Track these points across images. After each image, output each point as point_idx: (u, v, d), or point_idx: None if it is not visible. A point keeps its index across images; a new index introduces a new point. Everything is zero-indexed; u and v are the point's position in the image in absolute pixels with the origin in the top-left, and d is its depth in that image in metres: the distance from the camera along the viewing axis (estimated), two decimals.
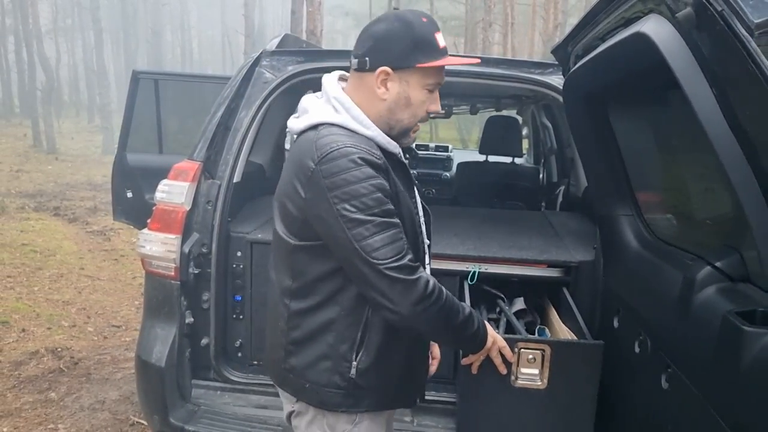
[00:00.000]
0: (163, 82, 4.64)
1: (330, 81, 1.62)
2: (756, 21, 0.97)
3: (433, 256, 2.56)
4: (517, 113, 5.82)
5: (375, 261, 1.45)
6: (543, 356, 2.01)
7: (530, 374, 2.03)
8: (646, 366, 1.85)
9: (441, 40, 1.57)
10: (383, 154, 1.55)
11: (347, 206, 1.44)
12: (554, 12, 18.84)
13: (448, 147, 6.70)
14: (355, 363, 1.59)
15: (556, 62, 2.52)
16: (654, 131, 2.09)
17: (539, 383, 2.03)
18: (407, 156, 1.76)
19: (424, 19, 1.57)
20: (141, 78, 4.53)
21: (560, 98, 2.75)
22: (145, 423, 3.56)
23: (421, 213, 1.75)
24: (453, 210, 3.74)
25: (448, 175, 6.20)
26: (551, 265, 2.67)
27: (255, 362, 2.85)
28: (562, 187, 4.30)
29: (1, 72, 29.69)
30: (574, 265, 2.64)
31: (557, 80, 2.79)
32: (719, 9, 1.01)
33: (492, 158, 4.76)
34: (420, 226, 1.70)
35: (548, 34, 18.69)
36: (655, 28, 1.22)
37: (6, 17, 28.62)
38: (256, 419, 2.65)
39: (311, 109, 1.59)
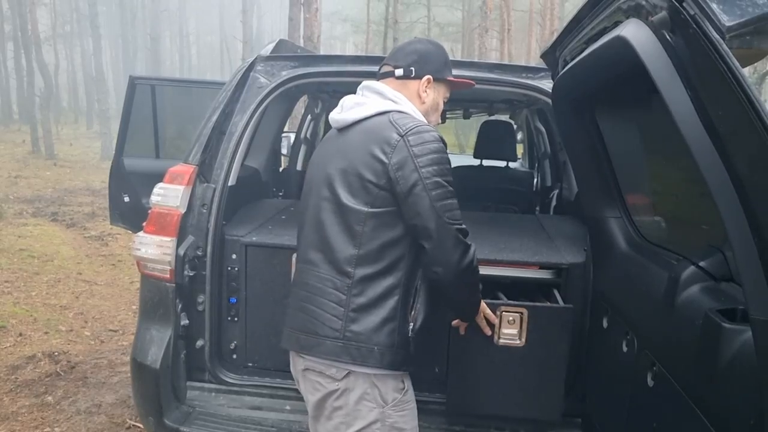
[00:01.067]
0: (160, 88, 4.67)
1: (380, 84, 1.92)
2: (727, 24, 1.00)
3: None
4: (511, 117, 5.85)
5: (449, 221, 1.73)
6: (521, 318, 2.36)
7: (510, 334, 2.37)
8: (633, 364, 1.87)
9: None
10: None
11: (430, 170, 1.72)
12: (551, 18, 18.93)
13: None
14: (412, 324, 1.83)
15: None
16: (640, 134, 2.13)
17: (518, 342, 2.37)
18: None
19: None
20: (138, 84, 4.56)
21: (550, 102, 2.78)
22: (141, 426, 3.58)
23: None
24: None
25: None
26: (542, 266, 2.69)
27: (250, 364, 2.87)
28: (556, 191, 4.30)
29: None
30: (565, 266, 2.66)
31: (548, 84, 2.82)
32: (692, 13, 1.04)
33: (487, 162, 4.77)
34: None
35: (545, 40, 18.77)
36: (634, 32, 1.26)
37: (5, 24, 28.68)
38: (251, 420, 2.67)
39: (369, 102, 1.87)
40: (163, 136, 4.85)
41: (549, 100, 2.80)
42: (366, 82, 1.94)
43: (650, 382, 1.70)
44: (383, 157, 1.74)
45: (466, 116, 5.11)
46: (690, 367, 1.46)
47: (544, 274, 2.70)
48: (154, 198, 2.69)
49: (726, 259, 1.57)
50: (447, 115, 5.20)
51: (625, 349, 1.96)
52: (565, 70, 2.07)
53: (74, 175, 15.52)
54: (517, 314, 2.37)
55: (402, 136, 1.75)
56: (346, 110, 1.91)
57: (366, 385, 1.79)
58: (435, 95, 1.96)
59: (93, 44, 23.31)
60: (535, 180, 4.91)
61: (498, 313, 2.32)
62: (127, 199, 4.59)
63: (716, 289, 1.53)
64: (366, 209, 1.78)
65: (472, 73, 2.98)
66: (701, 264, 1.59)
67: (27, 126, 20.81)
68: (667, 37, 1.14)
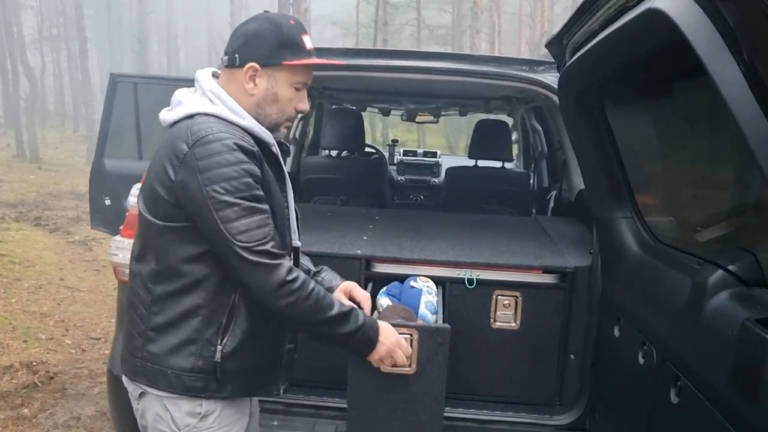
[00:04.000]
0: (142, 86, 4.49)
1: (204, 75, 1.70)
2: None
3: (421, 262, 2.48)
4: (509, 115, 5.71)
5: (239, 243, 1.52)
6: (516, 302, 2.51)
7: (506, 317, 2.52)
8: (652, 378, 1.72)
9: (308, 42, 1.70)
10: (257, 144, 1.63)
11: (217, 188, 1.52)
12: (541, 20, 18.87)
13: (436, 153, 6.57)
14: (220, 347, 1.63)
15: (549, 60, 2.41)
16: (656, 127, 1.98)
17: (513, 324, 2.52)
18: (284, 148, 1.85)
19: (292, 22, 1.70)
20: (119, 81, 4.38)
21: (553, 97, 2.64)
22: None
23: (293, 216, 1.80)
24: (441, 216, 3.61)
25: (436, 181, 6.07)
26: (546, 270, 2.55)
27: None
28: (554, 192, 4.18)
29: None
30: (570, 270, 2.52)
31: (550, 78, 2.68)
32: None
33: (481, 163, 4.63)
34: (289, 222, 1.76)
35: (535, 42, 18.72)
36: (671, 2, 1.10)
37: None
38: None
39: (186, 101, 1.67)
40: (147, 136, 4.66)
41: (551, 95, 2.67)
42: (199, 72, 1.73)
43: (674, 399, 1.55)
44: (171, 173, 1.57)
45: (462, 114, 4.97)
46: (725, 382, 1.31)
47: (547, 279, 2.56)
48: (132, 200, 2.52)
49: (758, 262, 1.42)
50: (442, 113, 5.06)
51: (641, 360, 1.80)
52: (573, 59, 1.92)
53: (59, 179, 15.25)
54: (512, 297, 2.51)
55: (190, 148, 1.56)
56: (173, 107, 1.72)
57: (158, 408, 1.69)
58: (269, 85, 1.67)
59: (78, 47, 23.00)
60: (532, 181, 4.78)
61: (494, 296, 2.50)
62: (108, 202, 4.41)
63: (749, 296, 1.39)
64: (161, 223, 1.63)
65: (469, 66, 2.84)
66: (730, 268, 1.44)
67: (12, 130, 20.48)
68: (715, 4, 0.98)
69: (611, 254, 2.26)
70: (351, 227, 2.94)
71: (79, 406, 3.95)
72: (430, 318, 2.26)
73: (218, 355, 1.63)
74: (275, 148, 1.72)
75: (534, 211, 4.61)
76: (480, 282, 2.55)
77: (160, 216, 1.62)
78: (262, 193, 1.59)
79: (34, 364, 4.53)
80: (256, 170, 1.58)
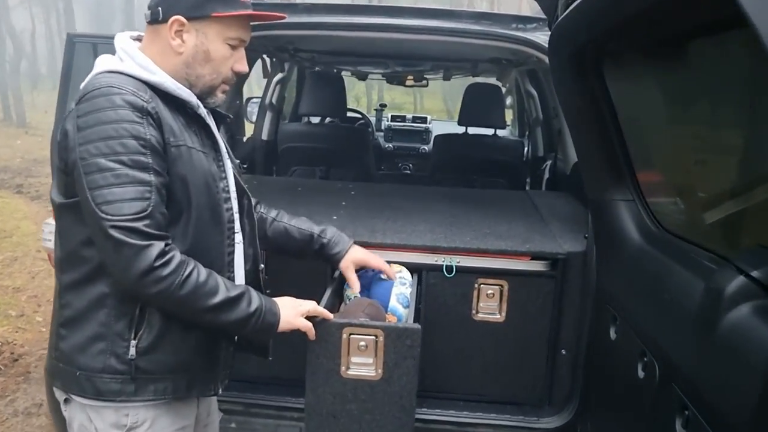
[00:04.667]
0: (103, 47, 4.12)
1: (120, 36, 1.53)
2: None
3: (394, 247, 2.22)
4: (498, 79, 5.37)
5: (102, 216, 1.33)
6: (501, 291, 2.25)
7: (490, 308, 2.27)
8: (653, 399, 1.44)
9: None
10: (174, 104, 1.46)
11: (90, 148, 1.34)
12: None
13: (426, 118, 6.24)
14: (134, 341, 1.45)
15: (542, 16, 2.08)
16: (664, 92, 1.67)
17: (498, 316, 2.27)
18: (220, 116, 1.66)
19: None
20: (77, 42, 4.02)
21: (545, 59, 2.33)
22: None
23: (232, 189, 1.61)
24: (425, 191, 3.32)
25: (426, 148, 5.78)
26: (535, 256, 2.26)
27: None
28: (549, 163, 3.90)
29: None
30: (561, 256, 2.24)
31: (542, 37, 2.35)
32: None
33: (472, 130, 4.34)
34: (224, 202, 1.56)
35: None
36: None
37: None
38: None
39: (97, 63, 1.49)
40: None
41: (542, 56, 2.35)
42: (117, 35, 1.54)
43: (680, 430, 1.27)
44: (59, 135, 1.42)
45: (446, 78, 4.65)
46: (747, 421, 1.03)
47: (536, 266, 2.28)
48: None
49: None
50: (425, 76, 4.74)
51: (641, 374, 1.53)
52: (567, 12, 1.59)
53: (46, 144, 14.78)
54: (496, 287, 2.25)
55: (76, 104, 1.39)
56: None
57: (82, 417, 1.52)
58: (198, 41, 1.48)
59: (63, 6, 22.35)
60: (526, 150, 4.48)
61: (476, 285, 2.24)
62: None
63: None
64: (58, 200, 1.47)
65: (454, 24, 2.52)
66: (754, 274, 1.15)
67: None
68: None
69: (607, 242, 1.97)
70: (321, 204, 2.65)
71: (42, 392, 3.70)
72: (402, 312, 1.99)
73: (132, 352, 1.45)
74: (202, 110, 1.52)
75: (528, 182, 4.34)
76: (460, 269, 2.27)
77: (61, 191, 1.46)
78: (150, 160, 1.37)
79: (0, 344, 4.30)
80: (147, 132, 1.37)
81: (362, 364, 1.78)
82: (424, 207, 2.77)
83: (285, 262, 2.30)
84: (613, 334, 1.81)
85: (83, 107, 1.36)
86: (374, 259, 2.01)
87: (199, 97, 1.51)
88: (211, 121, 1.57)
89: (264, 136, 4.30)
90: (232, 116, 1.66)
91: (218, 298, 1.45)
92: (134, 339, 1.45)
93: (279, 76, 4.31)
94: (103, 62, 1.47)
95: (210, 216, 1.51)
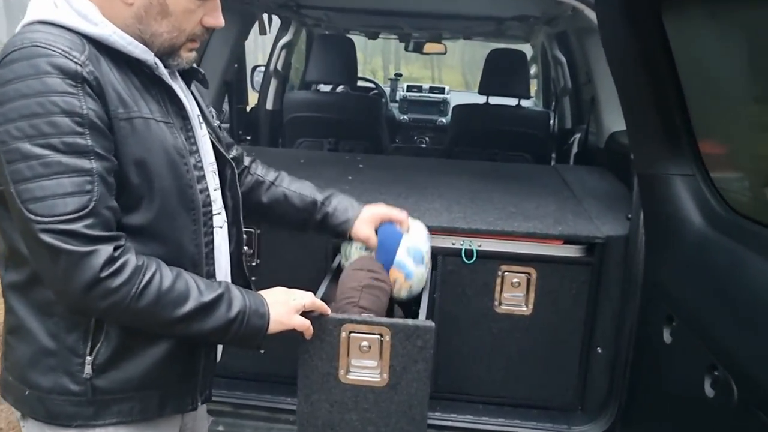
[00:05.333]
0: None
1: None
2: None
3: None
4: (524, 42, 5.00)
5: (31, 217, 1.06)
6: (528, 280, 1.98)
7: (515, 299, 2.01)
8: (728, 425, 1.14)
9: None
10: (127, 63, 1.17)
11: (10, 129, 1.06)
12: None
13: (444, 88, 5.89)
14: (90, 358, 1.20)
15: None
16: (738, 44, 1.35)
17: (524, 309, 2.01)
18: (193, 74, 1.34)
19: None
20: None
21: (584, 10, 2.01)
22: None
23: (208, 162, 1.32)
24: (442, 163, 3.01)
25: (443, 120, 5.44)
26: (569, 240, 1.96)
27: None
28: (578, 135, 3.59)
29: None
30: (600, 241, 1.94)
31: None
32: None
33: (494, 100, 4.02)
34: (197, 182, 1.26)
35: None
36: None
37: None
38: None
39: (28, 10, 1.19)
40: None
41: (581, 6, 2.03)
42: None
43: None
44: None
45: (467, 37, 4.33)
46: None
47: (570, 251, 1.98)
48: None
49: None
50: (443, 36, 4.40)
51: (709, 392, 1.22)
52: None
53: None
54: (523, 275, 1.98)
55: None
56: None
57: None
58: None
59: None
60: (552, 121, 4.14)
61: (500, 273, 1.98)
62: None
63: None
64: None
65: None
66: None
67: None
68: None
69: (660, 225, 1.65)
70: (324, 179, 2.35)
71: None
72: (412, 270, 1.66)
73: (87, 370, 1.19)
74: (162, 70, 1.21)
75: (553, 157, 4.02)
76: (482, 254, 1.98)
77: None
78: (89, 141, 1.08)
79: None
80: (83, 105, 1.08)
81: (365, 368, 1.50)
82: (441, 182, 2.47)
83: (275, 241, 2.03)
84: (667, 337, 1.50)
85: (1, 75, 1.06)
86: (397, 212, 1.68)
87: (158, 57, 1.22)
88: (176, 82, 1.28)
89: (268, 106, 4.02)
90: (203, 71, 1.35)
91: (188, 306, 1.18)
92: (90, 355, 1.20)
93: (284, 39, 4.00)
94: (34, 8, 1.16)
95: (179, 201, 1.23)
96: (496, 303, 2.01)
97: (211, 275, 1.31)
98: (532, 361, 2.04)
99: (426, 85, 5.91)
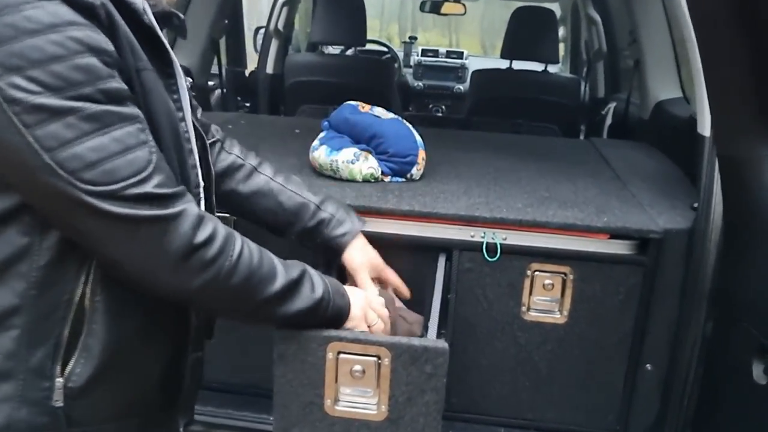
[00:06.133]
0: None
1: None
2: None
3: (413, 216, 1.66)
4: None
5: (87, 188, 0.83)
6: (564, 282, 1.63)
7: (547, 305, 1.66)
8: None
9: None
10: (121, 8, 0.90)
11: (20, 81, 0.79)
12: None
13: (462, 53, 5.47)
14: (61, 380, 0.94)
15: None
16: None
17: (558, 316, 1.66)
18: (171, 19, 1.06)
19: None
20: None
21: None
22: None
23: (191, 130, 1.06)
24: (460, 136, 2.64)
25: (461, 88, 5.05)
26: (616, 234, 1.59)
27: None
28: (612, 105, 3.21)
29: None
30: (655, 236, 1.57)
31: None
32: None
33: (518, 65, 3.64)
34: (188, 155, 1.03)
35: None
36: None
37: None
38: None
39: None
40: None
41: None
42: None
43: None
44: None
45: None
46: None
47: (618, 248, 1.62)
48: None
49: None
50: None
51: None
52: None
53: None
54: (558, 275, 1.62)
55: None
56: None
57: None
58: None
59: None
60: (583, 89, 3.74)
61: (529, 272, 1.62)
62: None
63: None
64: None
65: None
66: None
67: None
68: None
69: (744, 220, 1.28)
70: None
71: None
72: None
73: (58, 396, 0.94)
74: (150, 16, 0.97)
75: (583, 129, 3.64)
76: (507, 249, 1.62)
77: None
78: (123, 85, 0.87)
79: None
80: (104, 41, 0.85)
81: (358, 398, 1.22)
82: (458, 158, 2.11)
83: (256, 230, 1.69)
84: (757, 373, 1.14)
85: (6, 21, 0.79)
86: (391, 273, 1.44)
87: None
88: (157, 28, 1.02)
89: (269, 69, 3.68)
90: (182, 15, 1.02)
91: (278, 284, 1.02)
92: (61, 376, 0.94)
93: None
94: None
95: (182, 178, 1.01)
96: (524, 309, 1.66)
97: None
98: (566, 379, 1.70)
99: (443, 49, 5.50)
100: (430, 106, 5.02)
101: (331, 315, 1.12)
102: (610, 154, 2.24)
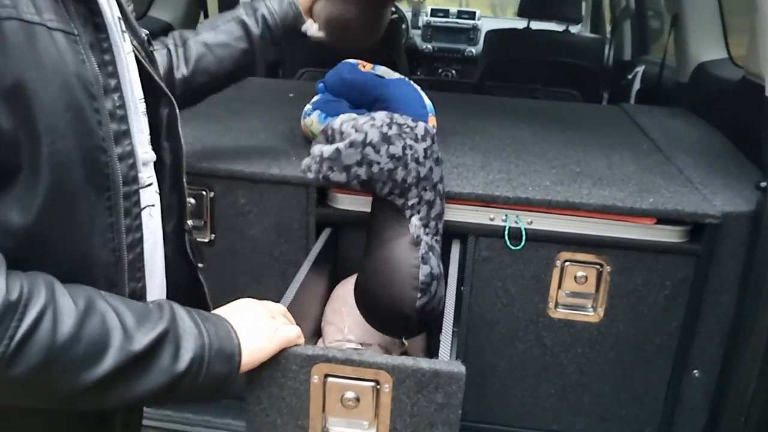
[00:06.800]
0: None
1: None
2: None
3: None
4: None
5: None
6: (599, 275, 1.40)
7: (579, 301, 1.43)
8: None
9: None
10: None
11: None
12: None
13: (474, 13, 5.14)
14: None
15: None
16: None
17: (591, 314, 1.43)
18: None
19: None
20: None
21: None
22: None
23: (136, 100, 0.81)
24: (475, 101, 2.37)
25: (473, 51, 4.74)
26: (664, 219, 1.35)
27: None
28: (641, 68, 2.92)
29: None
30: (712, 220, 1.32)
31: None
32: None
33: (536, 25, 3.35)
34: (118, 139, 0.75)
35: None
36: None
37: None
38: None
39: None
40: None
41: None
42: None
43: None
44: None
45: None
46: None
47: (664, 235, 1.37)
48: None
49: None
50: None
51: None
52: None
53: None
54: (592, 266, 1.38)
55: None
56: None
57: None
58: None
59: None
60: (607, 51, 3.44)
61: (558, 263, 1.39)
62: None
63: None
64: None
65: None
66: None
67: None
68: None
69: None
70: None
71: None
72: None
73: None
74: None
75: (606, 95, 3.36)
76: (533, 236, 1.38)
77: None
78: None
79: None
80: None
81: (351, 430, 0.97)
82: (473, 126, 1.85)
83: (235, 206, 1.45)
84: None
85: None
86: None
87: None
88: None
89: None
90: None
91: (107, 364, 0.71)
92: None
93: None
94: None
95: (84, 176, 0.72)
96: (552, 305, 1.42)
97: (137, 295, 0.82)
98: (598, 386, 1.47)
99: (453, 9, 5.17)
100: (440, 70, 4.73)
101: (204, 386, 0.79)
102: (646, 123, 1.97)
